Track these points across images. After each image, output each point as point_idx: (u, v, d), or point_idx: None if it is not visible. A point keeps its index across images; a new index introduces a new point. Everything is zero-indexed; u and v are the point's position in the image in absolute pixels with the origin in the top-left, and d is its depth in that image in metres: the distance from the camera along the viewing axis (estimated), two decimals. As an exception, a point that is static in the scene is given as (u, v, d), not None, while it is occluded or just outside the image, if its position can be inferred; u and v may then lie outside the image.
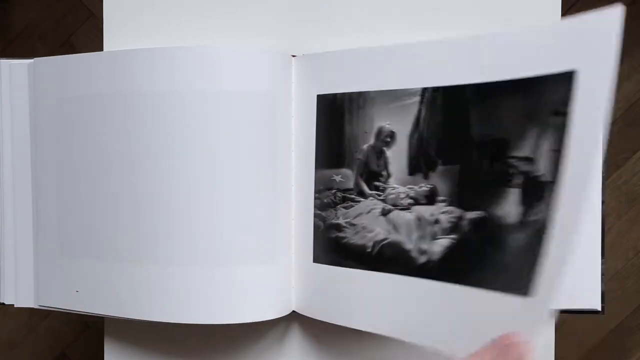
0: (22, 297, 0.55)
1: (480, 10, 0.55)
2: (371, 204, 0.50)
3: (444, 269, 0.45)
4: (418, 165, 0.48)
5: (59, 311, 0.54)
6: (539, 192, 0.40)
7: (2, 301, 0.56)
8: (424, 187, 0.47)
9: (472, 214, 0.44)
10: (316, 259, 0.51)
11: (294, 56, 0.52)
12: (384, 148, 0.50)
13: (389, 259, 0.48)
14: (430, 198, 0.46)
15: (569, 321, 1.25)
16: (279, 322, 0.55)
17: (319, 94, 0.51)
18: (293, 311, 0.53)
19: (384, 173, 0.49)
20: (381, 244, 0.49)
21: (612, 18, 0.36)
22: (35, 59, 0.54)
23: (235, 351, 0.56)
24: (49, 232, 0.54)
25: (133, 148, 0.51)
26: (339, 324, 0.50)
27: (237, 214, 0.50)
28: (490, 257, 0.42)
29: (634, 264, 1.28)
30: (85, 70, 0.52)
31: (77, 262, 0.53)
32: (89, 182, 0.52)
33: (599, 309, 0.54)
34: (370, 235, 0.50)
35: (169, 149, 0.50)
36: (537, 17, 0.55)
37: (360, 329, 0.49)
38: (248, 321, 0.50)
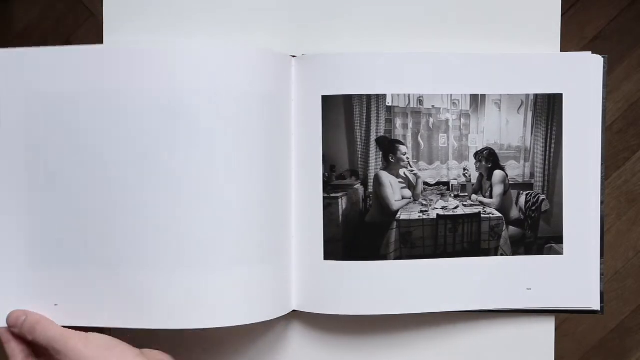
0: None
1: (481, 12, 0.55)
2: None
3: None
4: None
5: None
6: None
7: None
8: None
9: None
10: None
11: (293, 56, 0.52)
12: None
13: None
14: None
15: (569, 321, 1.25)
16: (280, 321, 0.55)
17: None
18: (293, 310, 0.53)
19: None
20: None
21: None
22: None
23: (236, 350, 0.56)
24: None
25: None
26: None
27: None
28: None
29: (634, 264, 1.28)
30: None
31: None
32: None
33: (599, 309, 0.54)
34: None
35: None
36: (538, 17, 0.55)
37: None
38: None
